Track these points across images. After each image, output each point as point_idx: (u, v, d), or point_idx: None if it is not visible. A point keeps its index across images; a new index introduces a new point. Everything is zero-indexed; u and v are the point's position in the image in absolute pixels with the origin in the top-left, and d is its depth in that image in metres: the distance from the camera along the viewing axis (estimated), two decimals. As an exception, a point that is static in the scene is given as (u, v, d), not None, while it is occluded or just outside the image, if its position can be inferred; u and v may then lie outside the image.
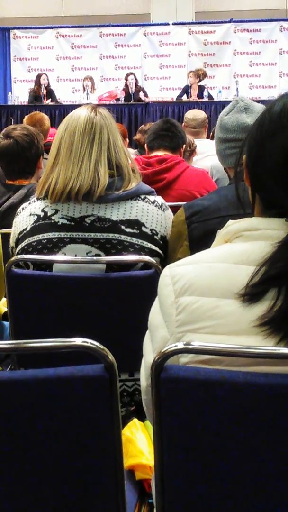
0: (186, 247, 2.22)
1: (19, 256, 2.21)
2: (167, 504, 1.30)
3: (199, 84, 12.15)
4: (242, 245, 1.26)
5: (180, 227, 2.26)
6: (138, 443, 1.80)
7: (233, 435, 1.19)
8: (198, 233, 2.20)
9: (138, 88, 12.45)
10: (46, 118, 5.45)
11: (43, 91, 12.36)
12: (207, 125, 6.45)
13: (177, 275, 1.28)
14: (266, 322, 1.15)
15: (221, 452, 1.21)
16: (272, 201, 1.27)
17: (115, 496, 1.36)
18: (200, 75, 12.13)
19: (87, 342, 1.27)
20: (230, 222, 1.32)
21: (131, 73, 12.67)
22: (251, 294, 1.17)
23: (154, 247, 2.24)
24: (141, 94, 12.19)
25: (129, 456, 1.75)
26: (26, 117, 5.68)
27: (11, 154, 3.28)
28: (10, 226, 2.44)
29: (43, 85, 12.36)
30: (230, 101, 2.53)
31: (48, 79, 12.56)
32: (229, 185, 2.41)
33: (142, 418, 1.90)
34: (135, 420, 1.91)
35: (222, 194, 2.28)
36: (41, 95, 12.30)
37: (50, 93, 12.51)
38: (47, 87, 12.51)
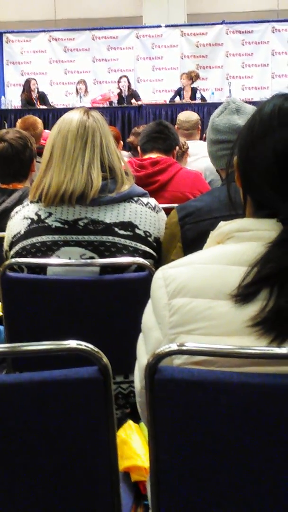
0: (179, 248, 2.23)
1: (13, 260, 2.21)
2: (162, 506, 1.30)
3: (192, 86, 12.15)
4: (234, 246, 1.26)
5: (173, 229, 2.27)
6: (133, 445, 1.80)
7: (227, 436, 1.19)
8: (191, 235, 2.20)
9: (131, 91, 12.45)
10: (39, 122, 5.45)
11: (36, 95, 12.34)
12: (200, 126, 6.45)
13: (169, 277, 1.28)
14: (258, 322, 1.16)
15: (216, 453, 1.21)
16: (263, 202, 1.27)
17: (110, 498, 1.36)
18: (193, 77, 12.14)
19: (81, 345, 1.27)
20: (222, 223, 1.32)
21: (124, 76, 12.67)
22: (243, 295, 1.18)
23: (147, 249, 2.25)
24: (132, 101, 12.17)
25: (124, 458, 1.75)
26: (19, 120, 5.68)
27: (6, 157, 3.28)
28: (4, 230, 2.44)
29: (35, 90, 12.34)
30: (223, 103, 2.53)
31: (37, 83, 12.54)
32: (221, 186, 2.42)
33: (137, 420, 1.90)
34: (130, 422, 1.91)
35: (215, 195, 2.28)
36: (33, 100, 12.28)
37: (42, 97, 12.49)
38: (39, 91, 12.49)
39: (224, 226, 1.31)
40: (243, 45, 13.72)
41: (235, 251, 1.25)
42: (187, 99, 12.02)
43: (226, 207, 1.93)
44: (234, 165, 1.37)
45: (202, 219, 2.20)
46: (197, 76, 12.30)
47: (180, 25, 13.88)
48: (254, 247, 1.22)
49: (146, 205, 2.30)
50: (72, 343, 1.28)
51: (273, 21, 13.64)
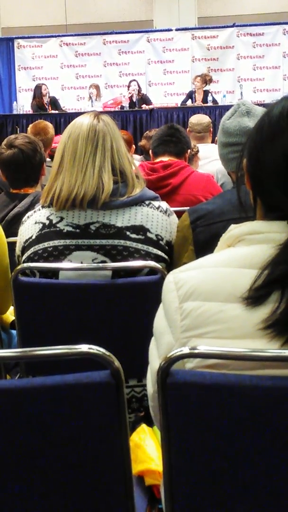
0: (191, 251, 2.22)
1: (25, 264, 2.21)
2: (176, 510, 1.30)
3: (204, 89, 12.15)
4: (244, 249, 1.26)
5: (185, 232, 2.26)
6: (147, 448, 1.80)
7: (241, 439, 1.19)
8: (203, 237, 2.20)
9: (141, 95, 12.46)
10: (50, 127, 5.44)
11: (47, 100, 12.37)
12: (211, 129, 6.46)
13: (180, 280, 1.28)
14: (270, 325, 1.15)
15: (229, 456, 1.21)
16: (273, 205, 1.27)
17: (124, 502, 1.36)
18: (207, 80, 12.13)
19: (93, 349, 1.27)
20: (232, 226, 1.32)
21: (134, 80, 12.68)
22: (254, 297, 1.17)
23: (159, 253, 2.25)
24: (143, 106, 12.18)
25: (138, 462, 1.74)
26: (30, 126, 5.68)
27: (17, 163, 3.29)
28: (16, 235, 2.44)
29: (46, 95, 12.37)
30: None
31: (48, 88, 12.57)
32: (232, 188, 2.41)
33: (151, 423, 1.90)
34: (144, 425, 1.91)
35: (226, 198, 2.28)
36: (44, 105, 12.31)
37: (53, 102, 12.52)
38: (50, 96, 12.52)
39: (234, 229, 1.31)
40: (254, 47, 13.69)
41: (245, 254, 1.25)
42: (199, 102, 12.00)
43: (237, 210, 1.93)
44: (243, 167, 1.37)
45: (214, 221, 2.20)
46: (211, 80, 12.29)
47: (191, 29, 13.88)
48: (264, 249, 1.21)
49: (157, 208, 2.29)
50: (84, 347, 1.28)
51: (284, 23, 13.59)
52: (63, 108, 12.72)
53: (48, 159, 4.48)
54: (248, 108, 2.42)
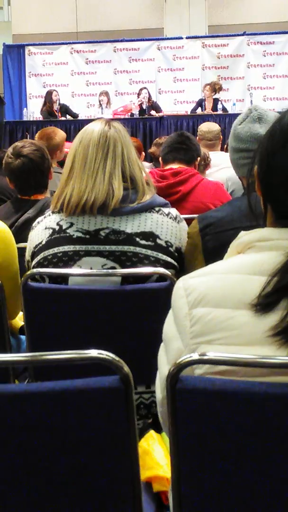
0: (201, 259, 2.22)
1: (35, 270, 2.22)
2: (184, 516, 1.29)
3: (214, 97, 12.17)
4: (254, 256, 1.26)
5: (194, 239, 2.26)
6: (155, 455, 1.80)
7: (250, 446, 1.19)
8: (212, 245, 2.20)
9: (151, 103, 12.48)
10: (56, 133, 5.30)
11: (57, 107, 12.41)
12: (221, 137, 6.47)
13: (190, 287, 1.28)
14: (279, 332, 1.15)
15: (238, 464, 1.21)
16: (283, 212, 1.27)
17: (132, 509, 1.35)
18: (216, 89, 12.15)
19: (102, 354, 1.28)
20: (242, 233, 1.32)
21: (144, 88, 12.70)
22: (263, 304, 1.17)
23: (169, 259, 2.25)
24: (152, 112, 12.21)
25: (146, 468, 1.74)
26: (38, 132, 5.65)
27: (28, 172, 3.30)
28: (26, 240, 2.45)
29: (57, 101, 12.41)
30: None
31: (58, 95, 12.62)
32: (242, 196, 2.40)
33: (159, 430, 1.90)
34: (152, 432, 1.90)
35: (235, 205, 2.27)
36: (54, 111, 12.35)
37: (65, 110, 12.56)
38: (60, 104, 12.56)
39: (244, 236, 1.31)
40: (265, 56, 13.70)
41: (255, 260, 1.25)
42: (208, 110, 12.02)
43: (246, 217, 1.92)
44: (254, 174, 1.37)
45: (223, 229, 2.20)
46: (220, 88, 12.31)
47: (201, 37, 13.91)
48: (274, 256, 1.21)
49: (167, 215, 2.30)
50: (94, 352, 1.28)
51: (294, 32, 13.63)
52: (76, 113, 12.70)
53: (54, 166, 4.46)
54: (260, 114, 2.40)
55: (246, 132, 2.39)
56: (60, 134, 5.32)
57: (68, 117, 12.50)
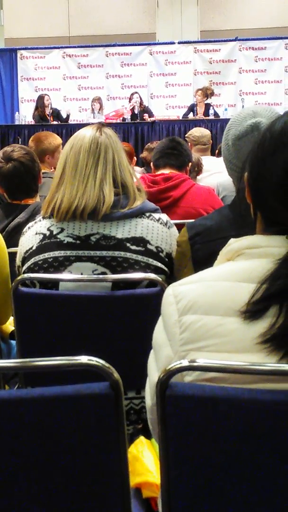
0: (190, 266, 2.21)
1: (25, 275, 2.21)
2: (173, 522, 1.29)
3: (206, 102, 12.19)
4: (244, 263, 1.27)
5: (184, 247, 2.25)
6: (145, 461, 1.80)
7: (239, 453, 1.19)
8: (202, 254, 2.18)
9: (143, 107, 12.50)
10: (47, 138, 5.24)
11: (49, 111, 12.41)
12: (211, 141, 6.50)
13: (180, 293, 1.29)
14: (268, 339, 1.16)
15: (227, 470, 1.21)
16: (273, 219, 1.28)
17: (121, 514, 1.36)
18: (208, 94, 12.18)
19: (92, 360, 1.28)
20: (232, 240, 1.33)
21: (136, 92, 12.72)
22: (252, 311, 1.18)
23: (159, 265, 2.25)
24: (145, 116, 12.22)
25: (136, 474, 1.74)
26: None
27: (20, 176, 3.30)
28: (17, 245, 2.45)
29: (49, 106, 12.42)
30: (246, 122, 2.37)
31: (50, 99, 12.62)
32: (230, 203, 2.33)
33: (149, 436, 1.90)
34: (142, 438, 1.90)
35: (224, 214, 2.25)
36: (46, 116, 12.35)
37: (56, 113, 12.56)
38: (52, 108, 12.56)
39: (234, 243, 1.31)
40: (256, 61, 13.75)
41: (244, 268, 1.25)
42: (200, 115, 12.05)
43: (235, 226, 1.91)
44: (244, 181, 1.37)
45: (212, 239, 2.17)
46: (212, 93, 12.34)
47: (193, 42, 13.95)
48: (263, 264, 1.22)
49: (158, 220, 2.30)
50: (83, 359, 1.28)
51: (286, 37, 13.66)
52: (68, 117, 12.70)
53: (44, 170, 4.44)
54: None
55: (244, 152, 2.31)
56: (52, 140, 5.25)
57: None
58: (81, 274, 2.20)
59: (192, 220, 2.33)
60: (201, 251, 2.18)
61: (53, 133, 5.76)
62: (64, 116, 12.70)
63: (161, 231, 2.29)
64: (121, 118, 12.32)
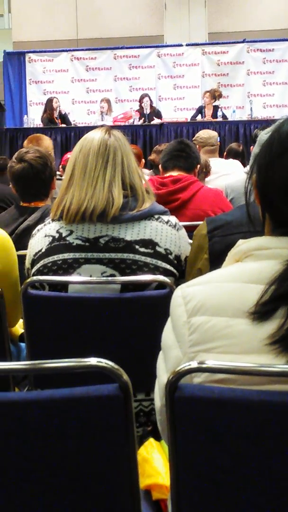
0: (205, 260, 2.20)
1: (34, 278, 2.22)
2: (183, 524, 1.29)
3: (214, 104, 12.18)
4: (252, 264, 1.27)
5: (201, 241, 2.24)
6: (155, 462, 1.80)
7: (248, 454, 1.19)
8: (219, 247, 2.17)
9: (153, 109, 12.49)
10: (37, 140, 5.25)
11: (58, 114, 12.42)
12: (219, 143, 6.51)
13: (188, 295, 1.29)
14: (276, 340, 1.16)
15: (237, 471, 1.21)
16: (281, 220, 1.28)
17: (131, 516, 1.36)
18: (216, 96, 12.17)
19: (101, 362, 1.28)
20: (240, 241, 1.33)
21: (146, 95, 12.70)
22: (260, 313, 1.18)
23: (168, 267, 2.25)
24: (155, 119, 12.21)
25: (146, 476, 1.74)
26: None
27: (27, 178, 3.30)
28: (26, 248, 2.45)
29: (57, 108, 12.42)
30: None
31: (59, 102, 12.63)
32: (252, 201, 2.35)
33: (158, 438, 1.90)
34: (151, 439, 1.90)
35: (244, 211, 2.26)
36: (55, 118, 12.36)
37: (63, 117, 12.57)
38: (60, 111, 12.57)
39: (242, 245, 1.32)
40: (264, 63, 13.71)
41: (253, 269, 1.25)
42: (208, 117, 12.03)
43: (255, 223, 1.91)
44: (253, 183, 1.38)
45: (231, 233, 2.18)
46: (220, 95, 12.32)
47: (201, 44, 13.92)
48: (272, 265, 1.22)
49: (166, 223, 2.30)
50: (93, 361, 1.28)
51: (293, 39, 13.65)
52: (73, 122, 12.74)
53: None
54: None
55: None
56: (43, 142, 5.25)
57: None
58: (90, 276, 2.20)
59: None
60: (218, 244, 2.17)
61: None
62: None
63: (170, 233, 2.29)
64: (129, 121, 12.30)
